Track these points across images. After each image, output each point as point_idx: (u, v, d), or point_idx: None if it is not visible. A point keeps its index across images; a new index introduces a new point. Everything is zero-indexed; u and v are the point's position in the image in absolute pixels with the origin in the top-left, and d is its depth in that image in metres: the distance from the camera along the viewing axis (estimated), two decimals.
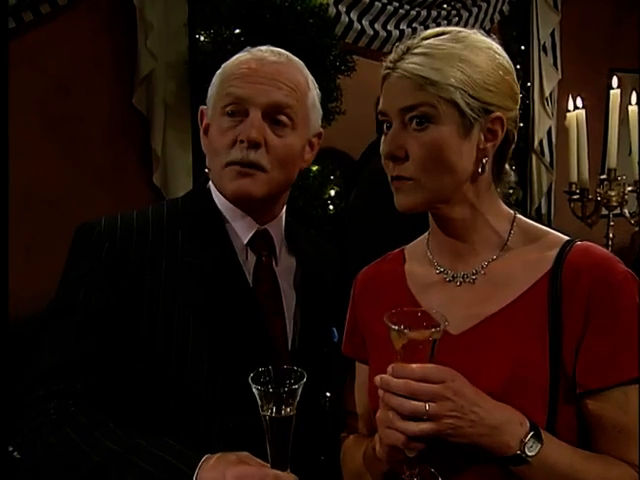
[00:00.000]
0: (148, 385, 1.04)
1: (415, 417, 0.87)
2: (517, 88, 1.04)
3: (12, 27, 2.48)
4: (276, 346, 1.13)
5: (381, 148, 1.02)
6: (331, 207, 2.44)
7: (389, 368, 0.90)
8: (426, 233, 1.13)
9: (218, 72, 1.15)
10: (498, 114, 0.98)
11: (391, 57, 1.01)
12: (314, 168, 2.46)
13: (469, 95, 0.96)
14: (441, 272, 1.07)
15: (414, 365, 0.89)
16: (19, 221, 2.58)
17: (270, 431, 0.90)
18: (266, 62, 1.11)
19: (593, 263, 0.97)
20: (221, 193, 1.14)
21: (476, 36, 1.01)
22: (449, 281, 1.06)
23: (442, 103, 0.96)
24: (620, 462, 0.95)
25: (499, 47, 1.03)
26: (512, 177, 1.09)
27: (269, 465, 0.92)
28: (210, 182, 1.18)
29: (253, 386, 0.90)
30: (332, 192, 2.45)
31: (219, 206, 1.14)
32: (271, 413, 0.89)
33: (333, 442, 1.18)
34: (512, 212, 1.08)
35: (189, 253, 1.08)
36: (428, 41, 0.99)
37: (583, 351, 0.95)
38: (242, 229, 1.14)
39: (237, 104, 1.09)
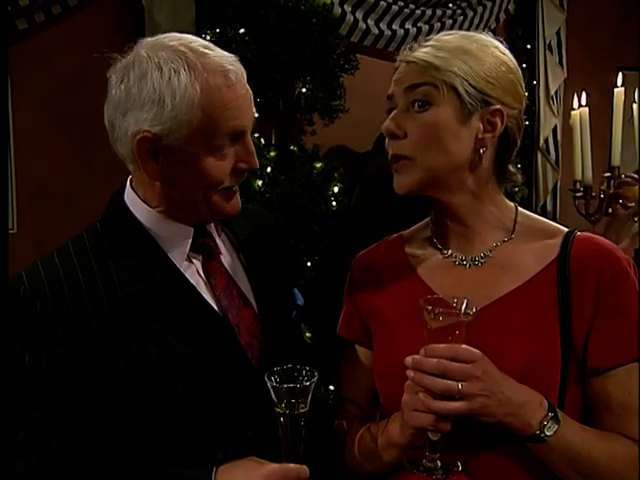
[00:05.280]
0: (137, 423, 0.99)
1: (446, 396, 0.91)
2: (521, 89, 1.07)
3: (24, 28, 2.54)
4: (253, 344, 1.08)
5: (382, 126, 1.06)
6: (334, 203, 2.46)
7: (421, 350, 0.94)
8: (425, 220, 1.17)
9: (196, 98, 0.98)
10: (498, 107, 1.03)
11: (404, 52, 1.07)
12: (318, 165, 2.50)
13: (469, 84, 1.01)
14: (448, 256, 1.10)
15: (446, 345, 0.93)
16: (30, 218, 2.65)
17: (284, 427, 0.94)
18: (242, 81, 1.03)
19: (599, 251, 1.03)
20: (206, 214, 1.06)
21: (485, 36, 1.07)
22: (457, 264, 1.09)
23: (444, 86, 1.01)
24: (624, 438, 1.00)
25: (506, 49, 1.08)
26: (519, 178, 1.13)
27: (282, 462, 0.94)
28: (128, 200, 1.09)
29: (268, 383, 0.93)
30: (335, 189, 2.47)
31: (145, 223, 1.06)
32: (285, 409, 0.93)
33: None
34: (514, 205, 1.12)
35: (128, 282, 1.00)
36: (438, 36, 1.06)
37: (595, 332, 1.00)
38: (178, 238, 1.07)
39: (237, 135, 1.03)
